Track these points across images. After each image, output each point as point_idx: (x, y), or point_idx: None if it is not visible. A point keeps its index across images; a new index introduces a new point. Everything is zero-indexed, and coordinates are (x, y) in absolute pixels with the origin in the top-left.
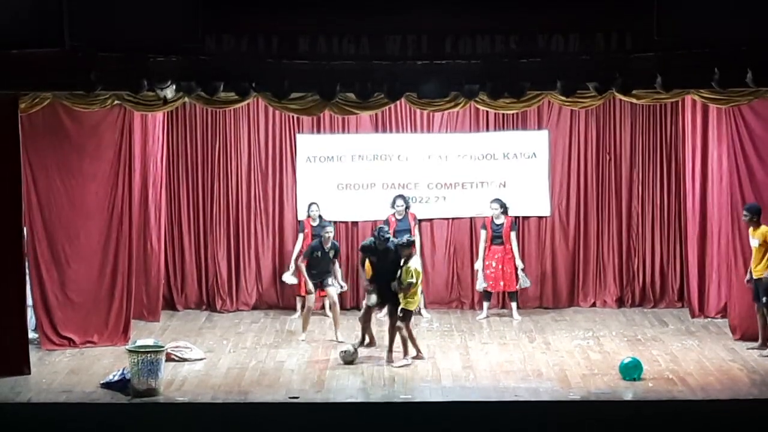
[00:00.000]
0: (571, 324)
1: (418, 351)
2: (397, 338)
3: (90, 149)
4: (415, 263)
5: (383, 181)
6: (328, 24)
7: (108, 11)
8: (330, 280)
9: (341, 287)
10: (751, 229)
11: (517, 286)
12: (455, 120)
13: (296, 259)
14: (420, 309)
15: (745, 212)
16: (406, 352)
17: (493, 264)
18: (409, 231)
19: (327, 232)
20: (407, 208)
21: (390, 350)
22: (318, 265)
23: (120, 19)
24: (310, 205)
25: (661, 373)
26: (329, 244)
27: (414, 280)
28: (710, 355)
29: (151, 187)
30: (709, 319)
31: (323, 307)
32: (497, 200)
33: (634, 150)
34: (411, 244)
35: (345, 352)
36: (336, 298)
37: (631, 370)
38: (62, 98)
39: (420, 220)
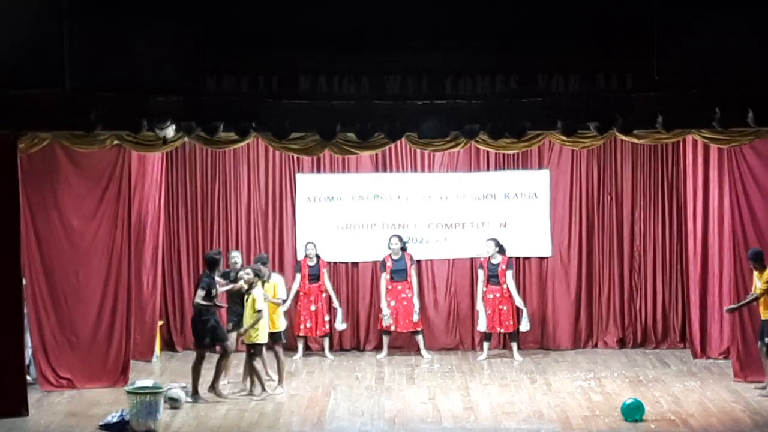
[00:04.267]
0: (573, 365)
1: (263, 387)
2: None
3: (89, 189)
4: (258, 293)
5: (383, 221)
6: (328, 64)
7: (108, 51)
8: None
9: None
10: (756, 273)
11: (520, 327)
12: (456, 160)
13: (293, 299)
14: (420, 349)
15: (750, 259)
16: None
17: (492, 304)
18: (405, 271)
19: (233, 259)
20: (403, 248)
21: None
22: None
23: (120, 59)
24: (306, 245)
25: (663, 415)
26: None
27: (261, 308)
28: (712, 396)
29: (149, 227)
30: (711, 360)
31: (323, 348)
32: (492, 239)
33: (636, 190)
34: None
35: (174, 399)
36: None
37: (633, 412)
38: (62, 138)
39: (420, 261)
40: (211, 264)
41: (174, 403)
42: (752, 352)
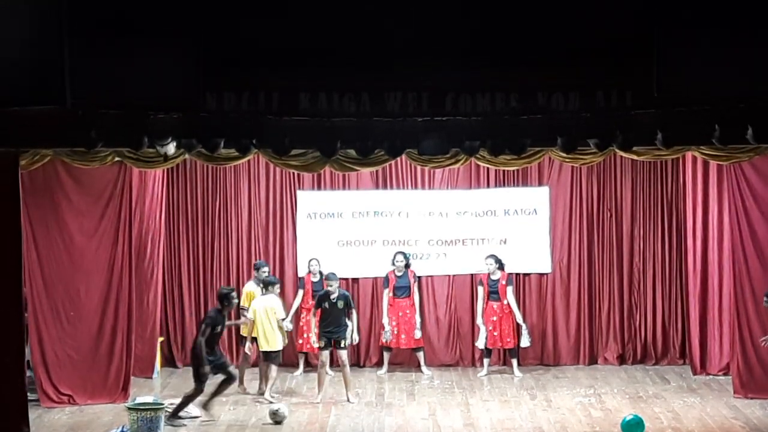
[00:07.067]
0: (573, 381)
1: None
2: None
3: (90, 206)
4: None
5: (383, 237)
6: (328, 81)
7: (109, 69)
8: (343, 342)
9: (353, 341)
10: None
11: (520, 343)
12: (456, 177)
13: (294, 315)
14: (420, 365)
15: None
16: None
17: (492, 320)
18: (408, 288)
19: (330, 284)
20: (407, 265)
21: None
22: (328, 317)
23: (121, 76)
24: (310, 261)
25: (663, 431)
26: (335, 295)
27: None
28: (712, 412)
29: (150, 243)
30: (711, 377)
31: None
32: (492, 256)
33: (635, 206)
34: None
35: (276, 413)
36: (347, 360)
37: (633, 428)
38: (62, 155)
39: (420, 277)
40: (222, 300)
41: (277, 416)
42: (752, 369)
